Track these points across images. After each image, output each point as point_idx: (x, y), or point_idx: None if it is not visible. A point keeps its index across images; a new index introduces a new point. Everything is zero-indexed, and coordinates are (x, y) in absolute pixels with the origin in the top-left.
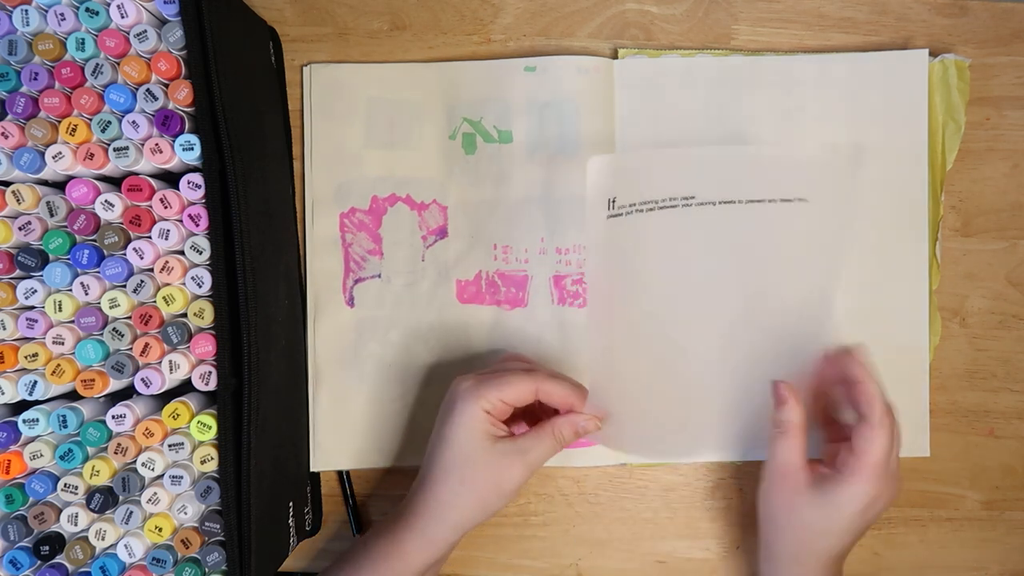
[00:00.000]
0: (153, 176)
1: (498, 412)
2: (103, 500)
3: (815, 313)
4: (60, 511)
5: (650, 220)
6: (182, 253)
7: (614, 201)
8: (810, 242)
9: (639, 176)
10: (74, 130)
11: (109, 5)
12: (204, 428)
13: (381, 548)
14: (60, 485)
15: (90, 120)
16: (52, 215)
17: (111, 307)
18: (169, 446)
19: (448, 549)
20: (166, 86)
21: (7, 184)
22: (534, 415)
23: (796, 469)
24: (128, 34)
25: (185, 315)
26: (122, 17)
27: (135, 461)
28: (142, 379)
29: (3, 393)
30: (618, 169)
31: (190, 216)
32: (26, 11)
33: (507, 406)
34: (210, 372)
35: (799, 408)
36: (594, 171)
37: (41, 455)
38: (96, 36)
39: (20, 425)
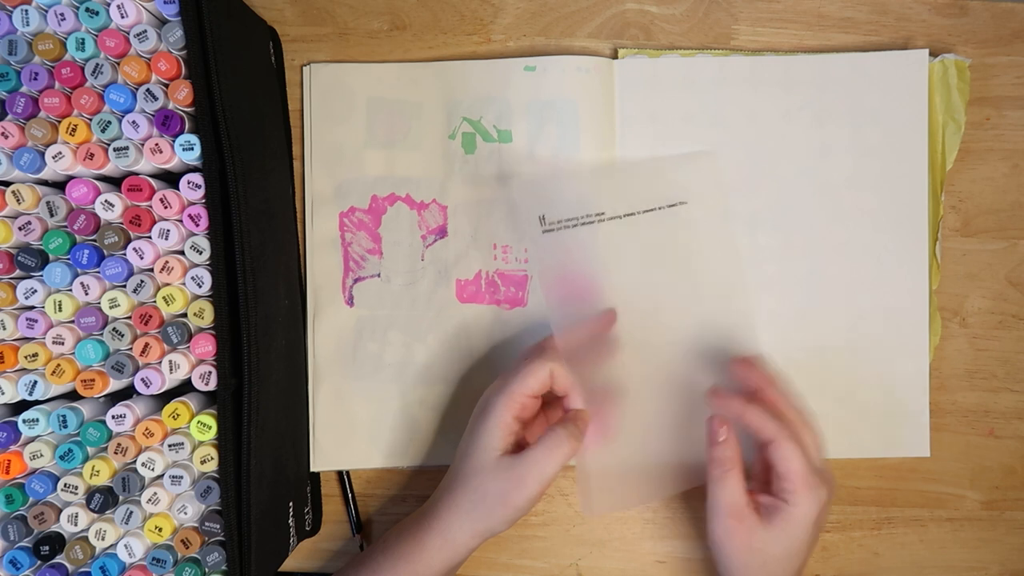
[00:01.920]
0: (153, 176)
1: (529, 409)
2: (103, 500)
3: (730, 314)
4: (60, 511)
5: (576, 235)
6: (182, 253)
7: (544, 218)
8: (699, 241)
9: (556, 196)
10: (74, 130)
11: (109, 5)
12: (204, 428)
13: (403, 549)
14: (60, 485)
15: (90, 120)
16: (52, 215)
17: (111, 307)
18: (169, 446)
19: (467, 553)
20: (166, 86)
21: (7, 184)
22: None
23: (744, 508)
24: (128, 34)
25: (185, 315)
26: (122, 17)
27: (135, 461)
28: (142, 379)
29: (3, 393)
30: (539, 190)
31: (190, 216)
32: (26, 11)
33: (535, 399)
34: (210, 372)
35: (735, 442)
36: (519, 192)
37: (41, 455)
38: (96, 36)
39: (20, 425)
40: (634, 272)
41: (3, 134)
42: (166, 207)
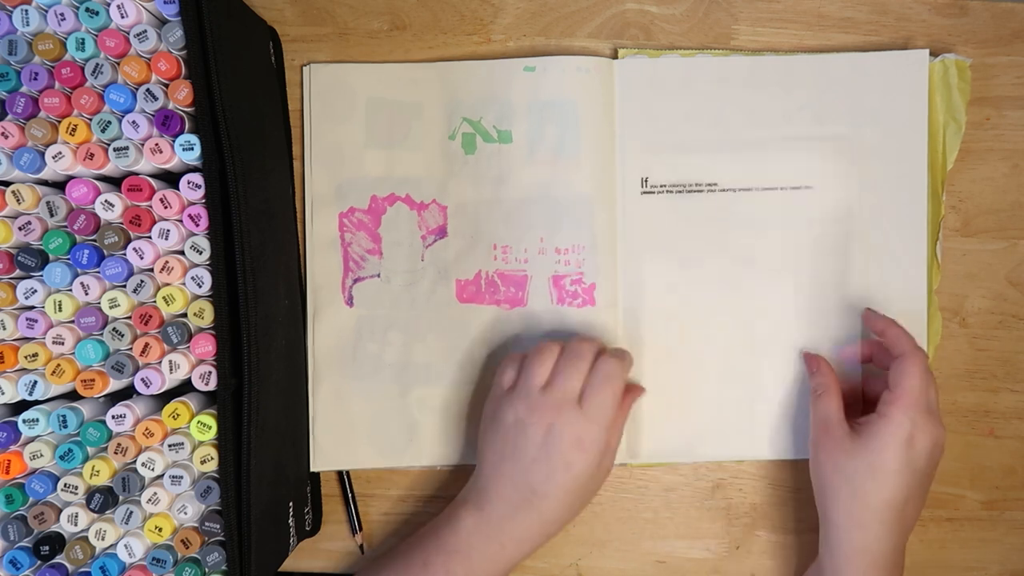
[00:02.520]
0: (153, 176)
1: None
2: (103, 500)
3: (832, 313)
4: (60, 511)
5: (678, 201)
6: (182, 253)
7: (647, 180)
8: (817, 229)
9: (667, 164)
10: (74, 130)
11: (109, 5)
12: (204, 428)
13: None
14: (60, 485)
15: (90, 120)
16: (52, 215)
17: (111, 307)
18: (169, 446)
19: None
20: (166, 86)
21: (7, 184)
22: None
23: (837, 422)
24: (128, 34)
25: (185, 315)
26: (122, 17)
27: (135, 461)
28: (142, 379)
29: (3, 393)
30: (650, 156)
31: (190, 216)
32: (26, 11)
33: None
34: (210, 372)
35: (830, 370)
36: (627, 154)
37: (41, 455)
38: (96, 36)
39: (20, 425)
40: (735, 249)
41: (3, 134)
42: (166, 207)
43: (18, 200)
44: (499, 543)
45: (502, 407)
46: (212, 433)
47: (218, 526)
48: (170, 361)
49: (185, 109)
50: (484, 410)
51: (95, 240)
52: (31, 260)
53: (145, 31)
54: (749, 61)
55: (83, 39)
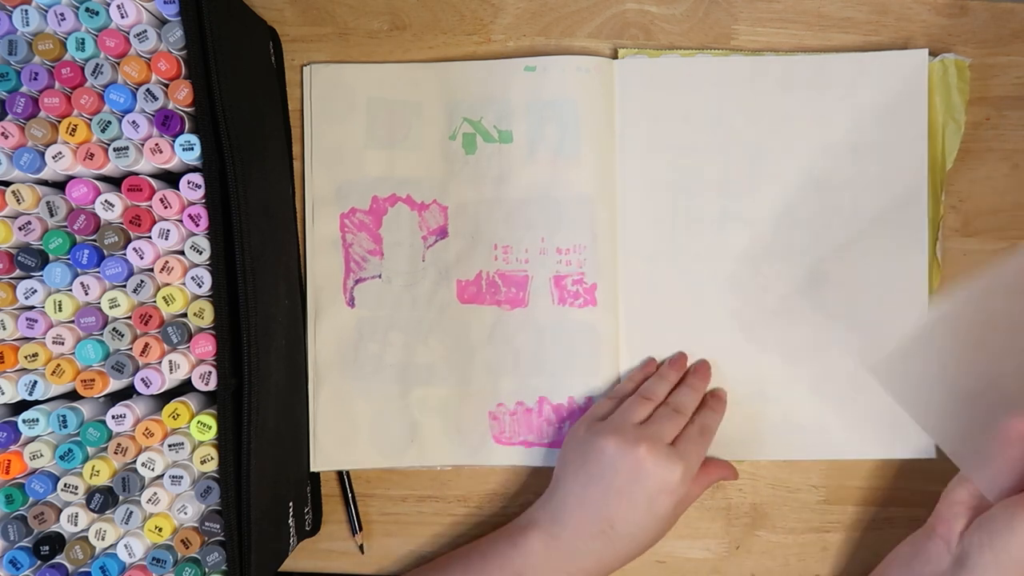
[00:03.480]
0: (153, 176)
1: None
2: (103, 500)
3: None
4: (60, 511)
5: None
6: (182, 253)
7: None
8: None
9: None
10: (74, 130)
11: (109, 5)
12: (204, 428)
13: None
14: (60, 485)
15: (90, 120)
16: (52, 215)
17: (111, 307)
18: (169, 446)
19: None
20: (166, 86)
21: (7, 184)
22: None
23: None
24: (128, 34)
25: (185, 315)
26: (122, 17)
27: (135, 461)
28: (142, 379)
29: (3, 393)
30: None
31: (190, 216)
32: (26, 11)
33: None
34: (210, 372)
35: None
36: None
37: (41, 455)
38: (96, 36)
39: (20, 425)
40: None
41: (3, 134)
42: (166, 207)
43: (18, 200)
44: (566, 572)
45: (592, 435)
46: (212, 433)
47: (218, 526)
48: (170, 361)
49: (185, 109)
50: (569, 434)
51: (95, 240)
52: (31, 260)
53: (145, 31)
54: (749, 61)
55: (83, 39)
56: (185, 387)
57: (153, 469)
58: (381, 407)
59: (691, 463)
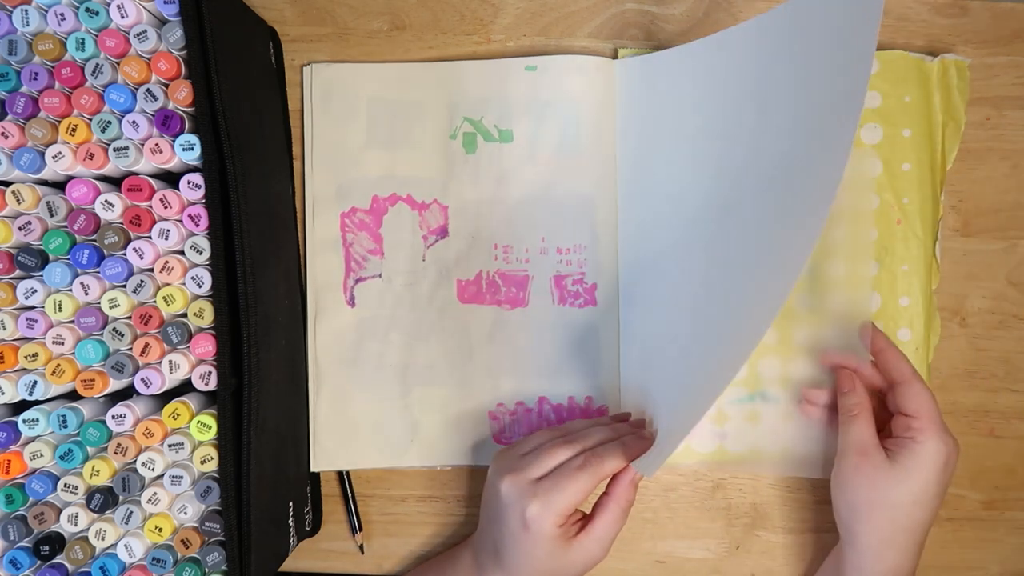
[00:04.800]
0: (153, 176)
1: (572, 517)
2: (103, 500)
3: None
4: (60, 511)
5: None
6: (182, 253)
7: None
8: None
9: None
10: (74, 130)
11: (109, 5)
12: (204, 428)
13: None
14: (60, 485)
15: (90, 120)
16: (52, 215)
17: (111, 307)
18: (169, 446)
19: None
20: (166, 86)
21: (7, 184)
22: None
23: (871, 446)
24: (128, 34)
25: (185, 315)
26: (122, 17)
27: (135, 461)
28: (142, 379)
29: (3, 393)
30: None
31: (190, 216)
32: (26, 11)
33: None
34: (210, 372)
35: (862, 389)
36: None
37: (41, 455)
38: (96, 36)
39: (20, 425)
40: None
41: (3, 134)
42: (166, 207)
43: (18, 200)
44: None
45: (494, 459)
46: (212, 433)
47: (218, 526)
48: (170, 361)
49: (185, 109)
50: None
51: (95, 240)
52: (31, 260)
53: (145, 31)
54: (739, 30)
55: (83, 39)
56: (185, 387)
57: (153, 469)
58: (381, 407)
59: (551, 499)
